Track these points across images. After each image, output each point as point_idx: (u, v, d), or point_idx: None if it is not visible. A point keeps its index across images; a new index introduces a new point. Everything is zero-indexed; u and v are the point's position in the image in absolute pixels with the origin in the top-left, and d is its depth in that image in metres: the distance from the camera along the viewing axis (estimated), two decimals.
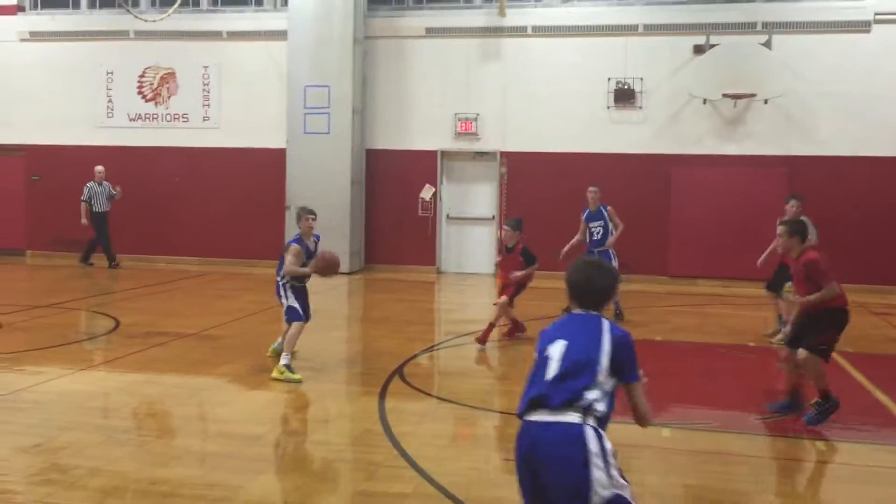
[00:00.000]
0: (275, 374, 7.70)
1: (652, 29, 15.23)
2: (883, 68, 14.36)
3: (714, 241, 14.97)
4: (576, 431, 3.23)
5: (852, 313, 6.78)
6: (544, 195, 15.35)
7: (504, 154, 15.94)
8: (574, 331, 3.46)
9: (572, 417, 3.25)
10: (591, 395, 3.29)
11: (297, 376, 7.63)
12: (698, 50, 14.91)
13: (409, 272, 16.00)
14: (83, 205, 15.94)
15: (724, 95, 14.37)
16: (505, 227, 10.04)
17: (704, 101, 14.80)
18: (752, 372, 8.65)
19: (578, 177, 15.44)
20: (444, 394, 7.54)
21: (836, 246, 14.28)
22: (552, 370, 3.36)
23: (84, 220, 15.89)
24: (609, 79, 15.33)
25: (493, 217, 16.02)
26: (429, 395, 7.47)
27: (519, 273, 9.49)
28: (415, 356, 8.91)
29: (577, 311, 3.58)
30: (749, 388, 7.93)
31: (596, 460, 3.21)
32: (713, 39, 14.77)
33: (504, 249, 9.78)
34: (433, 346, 9.84)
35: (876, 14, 14.37)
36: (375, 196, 16.46)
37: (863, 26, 14.47)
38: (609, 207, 11.30)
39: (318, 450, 6.04)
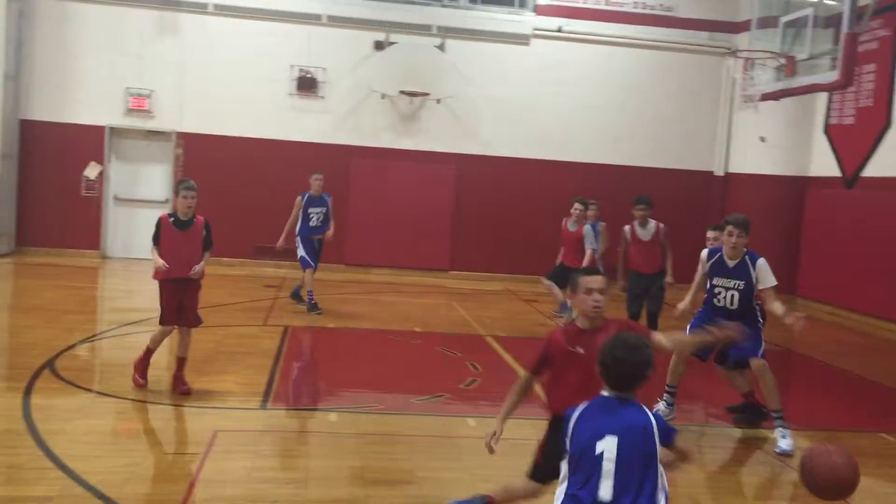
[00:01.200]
0: None
1: (335, 21, 15.43)
2: (534, 79, 15.88)
3: (388, 232, 15.60)
4: None
5: (507, 301, 7.41)
6: (223, 179, 14.89)
7: (180, 135, 15.24)
8: (620, 422, 3.23)
9: None
10: (659, 496, 3.18)
11: None
12: (379, 46, 15.41)
13: (69, 256, 14.70)
14: None
15: (402, 92, 15.01)
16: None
17: (383, 96, 15.34)
18: (417, 356, 9.15)
19: (259, 162, 15.32)
20: (102, 388, 7.02)
21: (493, 240, 15.65)
22: (609, 473, 3.15)
23: None
24: (292, 66, 15.29)
25: (167, 200, 15.24)
26: (85, 389, 6.91)
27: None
28: (71, 347, 8.21)
29: (610, 393, 3.34)
30: (413, 372, 8.38)
31: None
32: (393, 37, 15.35)
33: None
34: (93, 337, 9.14)
35: (534, 29, 15.86)
36: (31, 172, 14.87)
37: (523, 39, 15.90)
38: (331, 197, 11.26)
39: None
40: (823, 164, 14.79)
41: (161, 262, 6.79)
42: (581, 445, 3.23)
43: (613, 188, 15.00)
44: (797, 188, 15.15)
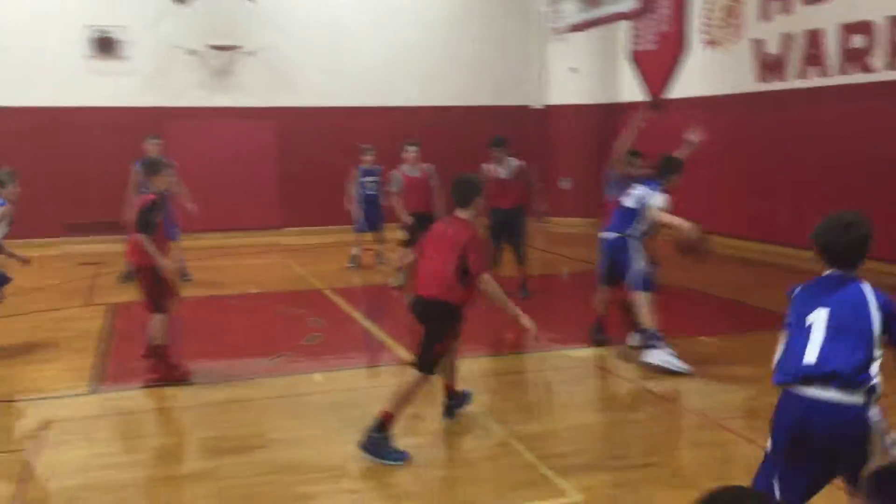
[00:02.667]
0: None
1: None
2: (348, 25, 15.52)
3: (213, 194, 14.96)
4: (855, 412, 3.09)
5: (342, 252, 7.30)
6: (21, 154, 13.70)
7: None
8: (835, 297, 3.26)
9: (851, 398, 3.09)
10: (866, 370, 3.12)
11: None
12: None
13: None
14: None
15: (210, 46, 14.33)
16: None
17: (191, 52, 14.59)
18: (256, 319, 8.93)
19: (62, 133, 14.22)
20: None
21: (323, 192, 15.40)
22: (817, 342, 3.17)
23: None
24: (86, 26, 14.20)
25: None
26: None
27: None
28: None
29: (830, 271, 3.37)
30: (253, 335, 8.17)
31: (878, 438, 3.10)
32: None
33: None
34: None
35: None
36: None
37: None
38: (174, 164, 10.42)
39: None
40: (633, 90, 15.51)
41: None
42: (795, 316, 3.32)
43: (435, 129, 15.09)
44: (611, 115, 15.83)
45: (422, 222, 9.80)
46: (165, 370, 6.50)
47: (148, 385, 6.47)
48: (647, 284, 6.91)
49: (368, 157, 11.88)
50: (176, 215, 10.31)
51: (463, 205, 5.17)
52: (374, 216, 11.79)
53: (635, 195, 6.97)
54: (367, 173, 11.83)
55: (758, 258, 12.04)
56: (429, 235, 5.22)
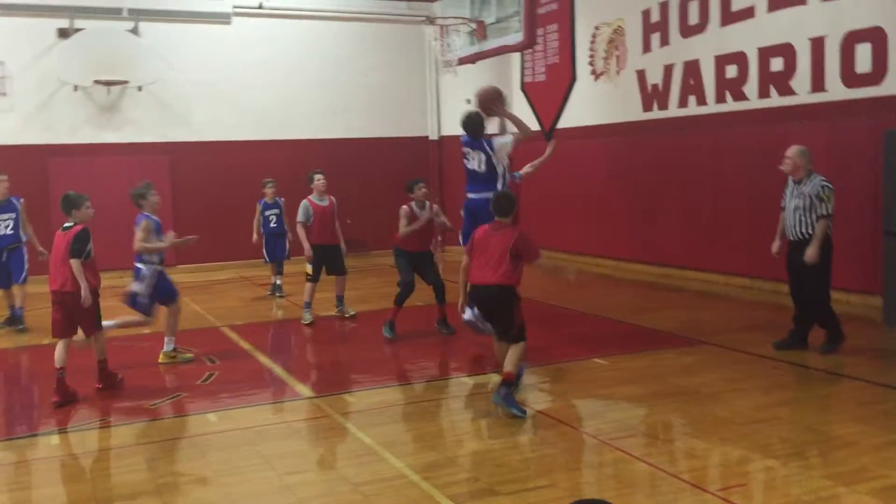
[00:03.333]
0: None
1: (11, 9, 13.93)
2: (242, 59, 15.47)
3: (100, 233, 14.27)
4: None
5: (241, 288, 7.18)
6: None
7: None
8: None
9: None
10: None
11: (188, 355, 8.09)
12: (63, 34, 14.16)
13: None
14: None
15: (96, 82, 13.96)
16: None
17: (76, 88, 14.17)
18: (148, 360, 8.66)
19: None
20: None
21: (219, 227, 15.11)
22: None
23: None
24: None
25: None
26: None
27: None
28: None
29: None
30: (144, 377, 7.91)
31: None
32: (78, 23, 14.17)
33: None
34: None
35: (234, 7, 15.40)
36: None
37: (224, 18, 15.38)
38: (22, 200, 10.20)
39: None
40: (524, 120, 15.84)
41: None
42: None
43: (335, 161, 15.08)
44: None
45: (326, 254, 9.75)
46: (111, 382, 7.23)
47: (27, 435, 6.17)
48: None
49: (269, 190, 11.89)
50: (24, 259, 10.11)
51: (504, 215, 6.48)
52: (276, 249, 11.86)
53: None
54: (269, 207, 11.83)
55: (649, 280, 12.46)
56: (475, 241, 6.44)
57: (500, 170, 7.98)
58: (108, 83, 14.04)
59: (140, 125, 14.90)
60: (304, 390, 7.18)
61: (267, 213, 11.90)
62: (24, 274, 9.96)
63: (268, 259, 12.05)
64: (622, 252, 13.49)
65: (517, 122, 8.15)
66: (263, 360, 8.42)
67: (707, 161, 11.78)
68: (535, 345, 8.50)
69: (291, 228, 11.89)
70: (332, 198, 10.18)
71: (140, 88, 14.49)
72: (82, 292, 6.80)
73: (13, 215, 9.96)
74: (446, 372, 8.18)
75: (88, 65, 13.80)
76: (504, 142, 8.02)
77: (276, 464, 5.36)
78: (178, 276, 14.33)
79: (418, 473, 5.08)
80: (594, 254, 14.09)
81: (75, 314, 6.94)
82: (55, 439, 6.05)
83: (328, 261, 9.88)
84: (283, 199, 12.04)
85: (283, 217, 11.94)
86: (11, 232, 9.93)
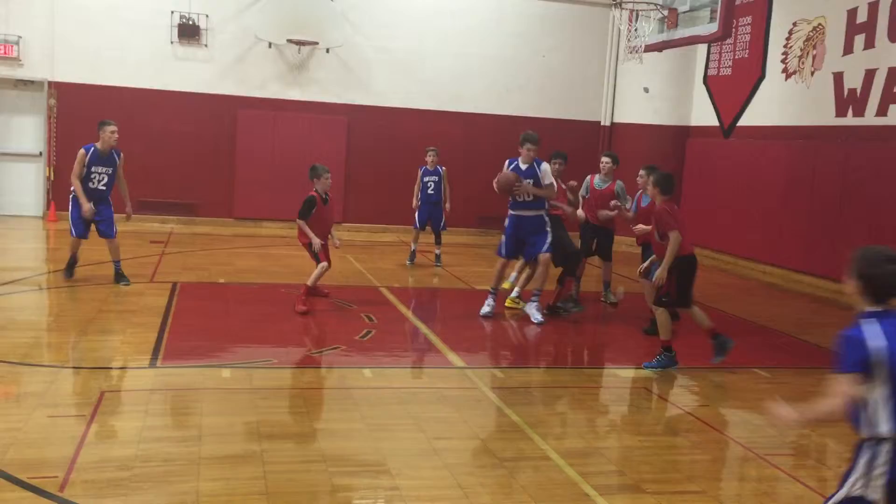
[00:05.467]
0: None
1: None
2: (425, 29, 15.72)
3: (278, 184, 15.29)
4: None
5: (400, 252, 7.36)
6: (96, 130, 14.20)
7: (53, 84, 14.40)
8: None
9: None
10: None
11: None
12: None
13: None
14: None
15: (289, 41, 14.62)
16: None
17: (270, 45, 14.90)
18: (311, 309, 9.08)
19: (140, 114, 14.65)
20: None
21: (386, 192, 15.55)
22: None
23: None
24: (172, 12, 14.61)
25: (41, 154, 14.47)
26: None
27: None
28: None
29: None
30: (307, 325, 8.32)
31: None
32: None
33: (322, 201, 8.99)
34: None
35: None
36: None
37: None
38: (122, 154, 9.66)
39: None
40: (703, 114, 15.35)
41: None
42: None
43: (504, 138, 15.13)
44: (678, 137, 15.69)
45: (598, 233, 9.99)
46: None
47: (203, 364, 6.65)
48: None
49: (430, 158, 12.04)
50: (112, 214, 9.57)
51: (667, 193, 7.27)
52: (434, 217, 12.01)
53: None
54: (429, 173, 12.01)
55: (820, 295, 11.80)
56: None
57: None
58: (300, 43, 14.67)
59: (324, 85, 15.49)
60: (456, 359, 7.32)
61: (426, 179, 12.06)
62: (115, 227, 9.47)
63: (417, 226, 12.14)
64: (794, 262, 12.80)
65: (539, 193, 8.72)
66: (419, 324, 8.64)
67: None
68: (691, 347, 8.29)
69: (450, 198, 12.15)
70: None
71: (328, 50, 15.05)
72: (313, 240, 8.70)
73: (110, 169, 9.33)
74: (600, 361, 8.11)
75: (283, 24, 14.48)
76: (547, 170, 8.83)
77: (425, 427, 5.51)
78: (343, 233, 14.94)
79: (564, 458, 5.08)
80: (763, 260, 13.46)
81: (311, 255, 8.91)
82: (226, 372, 6.47)
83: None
84: (444, 168, 12.22)
85: (442, 185, 12.06)
86: (104, 187, 9.34)
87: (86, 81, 14.44)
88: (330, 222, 9.19)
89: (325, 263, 8.77)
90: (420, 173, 12.15)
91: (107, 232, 9.48)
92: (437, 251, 12.22)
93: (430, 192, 12.05)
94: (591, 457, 5.20)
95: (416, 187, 12.17)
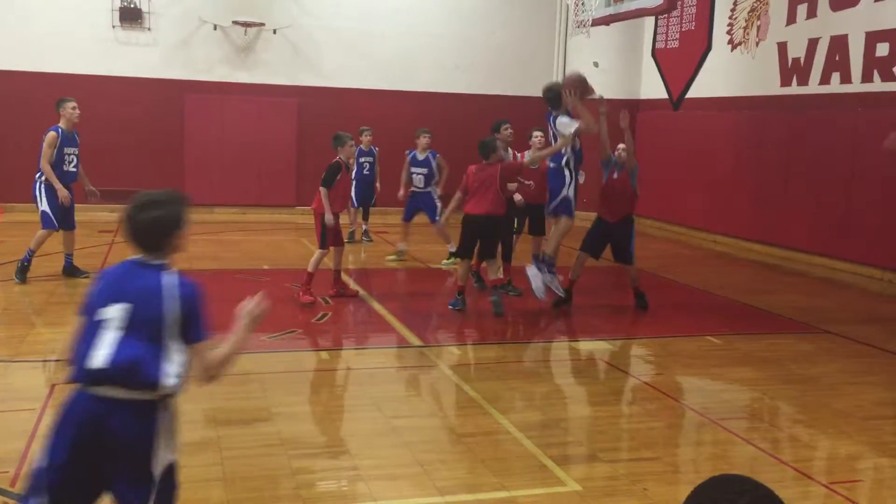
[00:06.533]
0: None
1: None
2: (372, 8, 15.57)
3: (229, 169, 15.10)
4: (146, 409, 2.87)
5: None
6: (41, 119, 13.82)
7: None
8: (132, 286, 2.95)
9: (144, 395, 2.87)
10: (161, 365, 2.88)
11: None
12: None
13: None
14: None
15: (234, 23, 14.38)
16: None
17: (215, 27, 14.64)
18: (266, 294, 8.98)
19: (83, 100, 14.19)
20: None
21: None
22: (109, 339, 2.87)
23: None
24: None
25: None
26: None
27: None
28: None
29: (136, 257, 3.05)
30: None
31: (163, 438, 2.92)
32: None
33: (346, 169, 8.70)
34: None
35: None
36: None
37: None
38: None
39: None
40: (652, 87, 15.46)
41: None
42: (89, 310, 2.99)
43: (454, 116, 15.12)
44: (629, 110, 15.77)
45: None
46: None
47: None
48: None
49: (365, 138, 12.12)
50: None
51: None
52: (366, 195, 12.21)
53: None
54: (363, 154, 12.07)
55: (769, 262, 12.04)
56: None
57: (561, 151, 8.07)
58: (246, 24, 14.44)
59: (272, 67, 15.29)
60: (413, 338, 7.33)
61: (361, 159, 12.08)
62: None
63: (355, 204, 12.12)
64: (742, 231, 13.04)
65: (584, 115, 7.96)
66: (375, 305, 8.62)
67: (845, 143, 11.19)
68: (645, 316, 8.41)
69: (381, 177, 12.25)
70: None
71: (275, 31, 14.85)
72: (326, 214, 8.24)
73: (77, 150, 9.07)
74: (555, 335, 8.18)
75: (229, 5, 14.24)
76: (566, 122, 7.94)
77: (384, 406, 5.52)
78: (297, 217, 14.83)
79: (522, 431, 5.13)
80: (713, 230, 13.68)
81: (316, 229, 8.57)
82: None
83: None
84: (377, 147, 12.30)
85: (375, 165, 12.20)
86: (75, 168, 9.04)
87: (24, 69, 14.05)
88: (348, 195, 9.01)
89: (323, 251, 8.40)
90: (355, 153, 11.96)
91: (71, 222, 9.04)
92: (365, 227, 12.37)
93: (365, 172, 12.14)
94: (549, 428, 5.26)
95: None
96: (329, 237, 8.38)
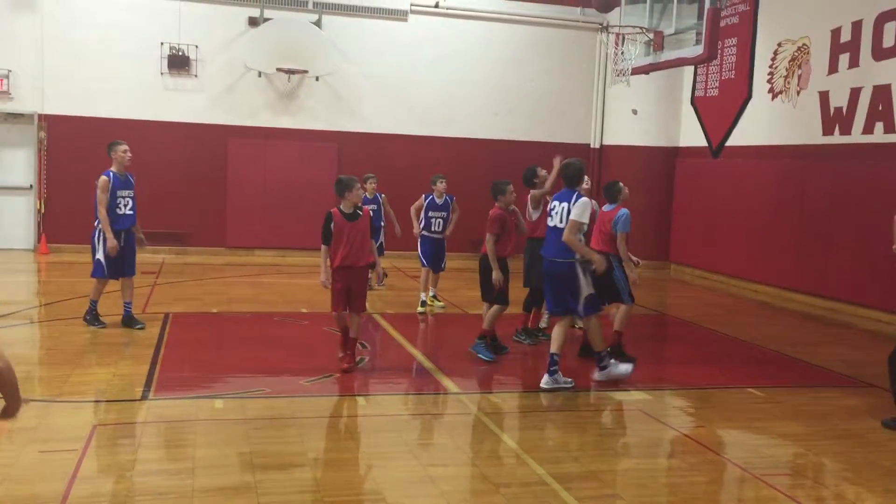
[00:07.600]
0: None
1: None
2: (415, 56, 15.86)
3: (270, 212, 15.32)
4: None
5: (394, 278, 7.31)
6: (92, 163, 14.19)
7: (43, 117, 14.43)
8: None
9: None
10: None
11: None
12: (253, 22, 15.01)
13: None
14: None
15: (278, 70, 14.69)
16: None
17: (260, 74, 14.98)
18: (304, 337, 9.05)
19: (132, 145, 14.55)
20: None
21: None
22: None
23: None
24: (162, 43, 14.70)
25: (32, 186, 14.46)
26: None
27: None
28: None
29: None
30: (301, 354, 8.29)
31: None
32: (267, 13, 14.97)
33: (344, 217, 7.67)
34: None
35: (412, 4, 15.80)
36: None
37: (401, 15, 15.82)
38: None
39: None
40: (691, 134, 15.46)
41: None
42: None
43: (493, 163, 15.21)
44: (668, 158, 15.79)
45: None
46: None
47: (196, 395, 6.61)
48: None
49: (369, 185, 11.49)
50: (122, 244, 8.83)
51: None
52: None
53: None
54: (368, 202, 11.22)
55: (812, 312, 11.83)
56: None
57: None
58: (290, 71, 14.74)
59: (314, 113, 15.57)
60: (450, 385, 7.29)
61: (371, 206, 11.62)
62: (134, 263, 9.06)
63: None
64: (784, 280, 12.86)
65: (592, 256, 7.27)
66: (412, 350, 8.61)
67: (890, 193, 11.03)
68: (685, 368, 8.29)
69: (388, 222, 11.83)
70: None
71: (317, 78, 15.14)
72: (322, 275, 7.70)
73: (132, 192, 8.96)
74: (591, 384, 8.09)
75: (273, 53, 14.54)
76: (586, 202, 7.18)
77: (420, 454, 5.49)
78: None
79: (560, 483, 5.06)
80: (753, 279, 13.51)
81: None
82: (219, 403, 6.43)
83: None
84: (383, 195, 11.84)
85: (381, 212, 11.68)
86: (131, 212, 8.91)
87: (76, 114, 14.48)
88: (359, 245, 7.52)
89: (338, 313, 7.53)
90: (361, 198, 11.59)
91: (130, 269, 8.94)
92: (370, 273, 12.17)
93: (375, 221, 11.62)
94: (588, 480, 5.18)
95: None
96: (333, 299, 7.58)
